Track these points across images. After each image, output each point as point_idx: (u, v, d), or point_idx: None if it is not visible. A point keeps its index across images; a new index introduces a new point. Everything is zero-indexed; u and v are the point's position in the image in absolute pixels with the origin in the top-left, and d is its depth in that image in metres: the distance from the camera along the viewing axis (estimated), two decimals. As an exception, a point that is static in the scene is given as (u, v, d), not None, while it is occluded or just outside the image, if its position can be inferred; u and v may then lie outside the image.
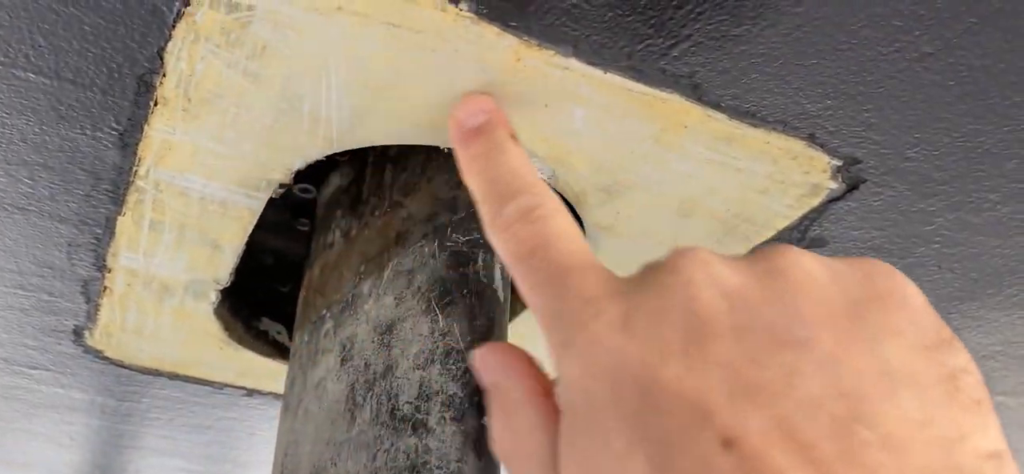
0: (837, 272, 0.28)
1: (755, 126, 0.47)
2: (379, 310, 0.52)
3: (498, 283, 0.50)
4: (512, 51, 0.43)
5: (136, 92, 0.45)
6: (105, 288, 0.64)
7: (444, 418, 0.46)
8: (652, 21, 0.41)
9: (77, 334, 0.71)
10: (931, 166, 0.50)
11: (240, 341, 0.73)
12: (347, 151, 0.61)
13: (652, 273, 0.29)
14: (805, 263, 0.27)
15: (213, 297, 0.65)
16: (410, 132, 0.48)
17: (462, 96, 0.45)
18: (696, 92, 0.45)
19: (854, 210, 0.54)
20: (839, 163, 0.50)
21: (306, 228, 0.72)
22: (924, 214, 0.55)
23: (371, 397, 0.49)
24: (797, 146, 0.49)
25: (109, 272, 0.62)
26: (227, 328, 0.71)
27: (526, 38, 0.42)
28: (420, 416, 0.46)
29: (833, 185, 0.52)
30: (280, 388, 0.83)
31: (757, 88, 0.44)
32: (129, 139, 0.49)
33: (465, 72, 0.44)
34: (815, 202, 0.54)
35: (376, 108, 0.46)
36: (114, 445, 0.96)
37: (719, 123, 0.47)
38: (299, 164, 0.51)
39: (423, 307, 0.49)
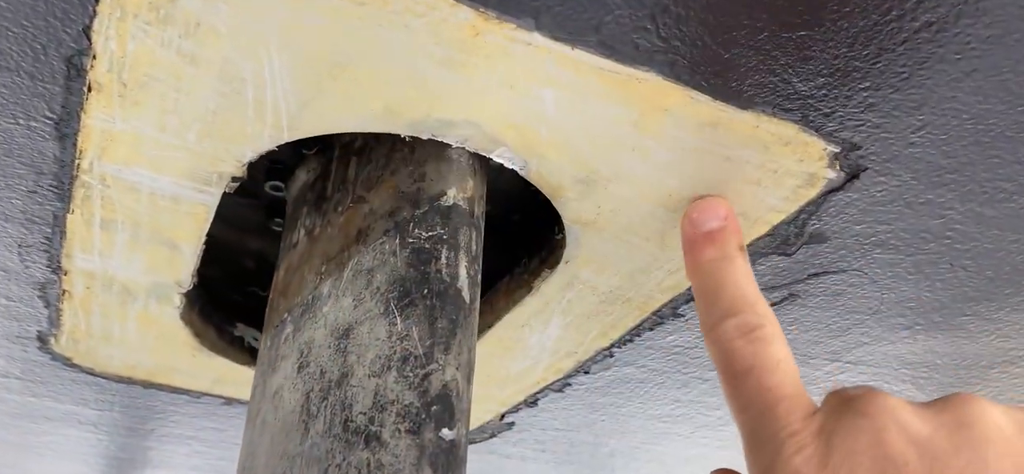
0: None
1: (742, 108, 0.43)
2: (337, 313, 0.48)
3: (462, 283, 0.46)
4: (469, 25, 0.39)
5: (66, 77, 0.42)
6: (64, 292, 0.61)
7: (399, 430, 0.42)
8: (619, -11, 0.36)
9: (42, 341, 0.68)
10: (938, 152, 0.46)
11: (213, 348, 0.69)
12: (314, 145, 0.58)
13: (844, 411, 0.32)
14: (992, 415, 0.30)
15: (177, 301, 0.62)
16: (365, 119, 0.45)
17: (700, 199, 0.47)
18: (674, 70, 0.41)
19: (855, 202, 0.50)
20: (836, 149, 0.46)
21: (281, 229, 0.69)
22: (933, 206, 0.50)
23: (325, 407, 0.45)
24: (789, 130, 0.45)
25: (65, 274, 0.59)
26: (198, 334, 0.67)
27: (482, 9, 0.38)
28: (374, 428, 0.42)
29: (831, 174, 0.48)
30: (262, 397, 0.80)
31: (741, 65, 0.40)
32: (66, 129, 0.46)
33: (419, 50, 0.40)
34: (812, 194, 0.49)
35: (324, 93, 0.43)
36: (96, 456, 0.93)
37: (703, 105, 0.43)
38: (250, 155, 0.47)
39: (381, 309, 0.45)
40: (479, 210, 0.49)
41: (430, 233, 0.46)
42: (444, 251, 0.46)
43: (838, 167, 0.47)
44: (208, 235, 0.70)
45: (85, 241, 0.55)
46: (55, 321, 0.65)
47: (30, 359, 0.71)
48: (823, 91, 0.42)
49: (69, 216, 0.53)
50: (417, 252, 0.46)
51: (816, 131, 0.45)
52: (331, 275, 0.50)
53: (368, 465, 0.41)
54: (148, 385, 0.76)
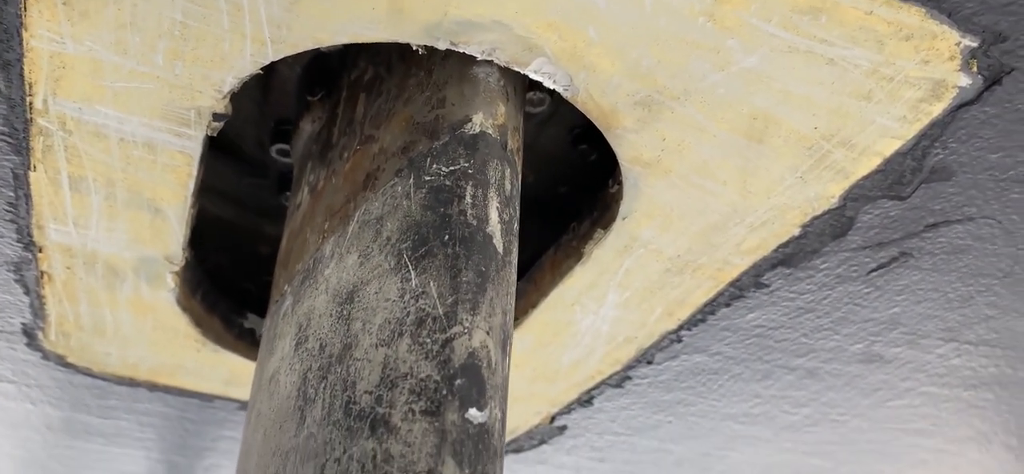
0: None
1: (851, -15, 0.33)
2: (340, 274, 0.39)
3: (493, 227, 0.36)
4: None
5: (-6, -24, 0.34)
6: (43, 274, 0.53)
7: (412, 411, 0.32)
8: None
9: (29, 335, 0.60)
10: (1113, 39, 0.35)
11: (219, 341, 0.61)
12: (319, 88, 0.49)
13: None
14: None
15: (170, 282, 0.53)
16: (366, 23, 0.35)
17: None
18: (763, -72, 0.31)
19: (993, 120, 0.39)
20: (974, 43, 0.35)
21: (295, 203, 0.60)
22: (1096, 122, 0.39)
23: (324, 388, 0.36)
24: (912, 18, 0.34)
25: (40, 251, 0.50)
26: (199, 323, 0.59)
27: None
28: (381, 410, 0.33)
29: (964, 80, 0.37)
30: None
31: (854, -88, 0.30)
32: (8, 54, 0.37)
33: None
34: (938, 110, 0.39)
35: (313, -17, 0.34)
36: (105, 471, 0.85)
37: (798, -17, 0.33)
38: (231, 82, 0.39)
39: (392, 263, 0.36)
40: (514, 144, 0.40)
41: (451, 167, 0.37)
42: (469, 188, 0.36)
43: (974, 69, 0.37)
44: (216, 217, 0.62)
45: (55, 206, 0.47)
46: (39, 311, 0.57)
47: (20, 358, 0.63)
48: (964, -50, 0.31)
49: (32, 174, 0.44)
50: (435, 191, 0.37)
51: (948, 16, 0.34)
52: (335, 232, 0.41)
53: (374, 457, 0.32)
54: (152, 387, 0.68)
